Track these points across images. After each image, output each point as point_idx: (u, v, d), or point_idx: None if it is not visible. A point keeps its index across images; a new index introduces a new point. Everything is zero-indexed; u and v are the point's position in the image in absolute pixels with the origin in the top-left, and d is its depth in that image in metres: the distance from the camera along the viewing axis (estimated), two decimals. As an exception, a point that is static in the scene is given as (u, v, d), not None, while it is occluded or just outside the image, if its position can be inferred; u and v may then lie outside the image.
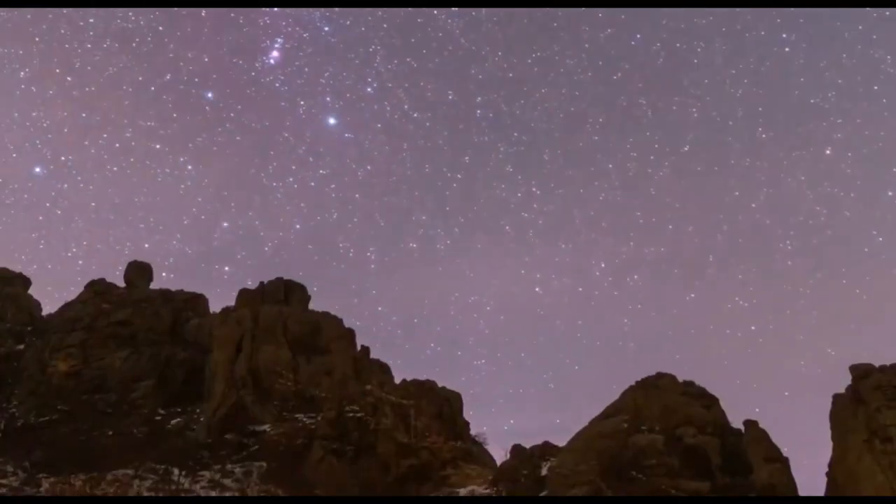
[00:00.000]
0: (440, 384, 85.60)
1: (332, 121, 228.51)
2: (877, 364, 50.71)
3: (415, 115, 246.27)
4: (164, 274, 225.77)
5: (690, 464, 54.20)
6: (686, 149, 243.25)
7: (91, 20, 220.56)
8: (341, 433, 68.25)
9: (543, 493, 54.04)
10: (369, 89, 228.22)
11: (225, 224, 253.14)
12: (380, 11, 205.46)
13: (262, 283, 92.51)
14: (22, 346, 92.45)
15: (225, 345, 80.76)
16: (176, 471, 63.01)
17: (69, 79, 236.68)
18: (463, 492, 62.94)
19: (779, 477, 53.96)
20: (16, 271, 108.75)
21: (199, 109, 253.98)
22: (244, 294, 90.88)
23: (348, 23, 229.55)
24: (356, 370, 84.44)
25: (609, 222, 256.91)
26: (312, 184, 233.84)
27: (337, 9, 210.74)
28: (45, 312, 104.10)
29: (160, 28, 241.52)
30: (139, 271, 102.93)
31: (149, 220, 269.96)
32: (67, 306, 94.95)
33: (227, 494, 60.85)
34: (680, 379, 61.06)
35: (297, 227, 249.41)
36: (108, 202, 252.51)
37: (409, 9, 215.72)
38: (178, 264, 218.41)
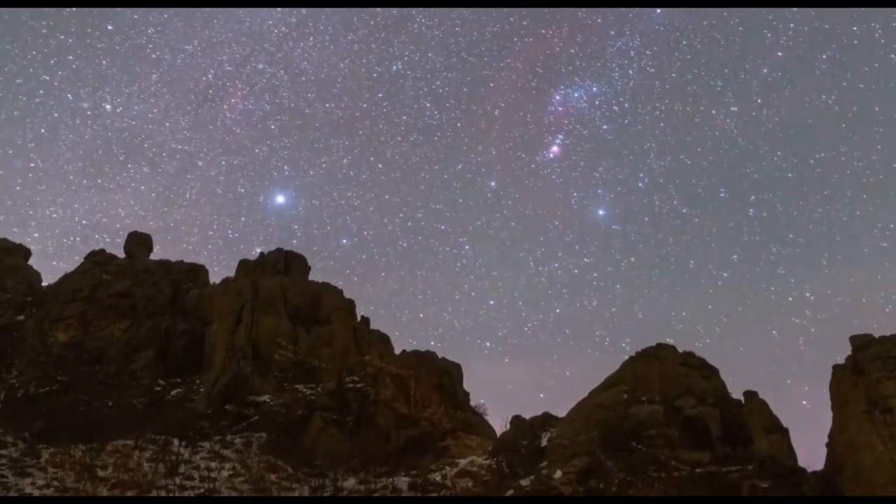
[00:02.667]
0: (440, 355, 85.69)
1: (601, 212, 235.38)
2: (876, 335, 50.51)
3: (684, 210, 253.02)
4: (431, 343, 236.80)
5: (690, 434, 54.08)
6: None
7: (403, 117, 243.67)
8: (341, 404, 68.31)
9: (543, 464, 53.97)
10: (640, 184, 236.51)
11: (491, 302, 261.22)
12: (657, 111, 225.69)
13: (261, 253, 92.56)
14: (22, 317, 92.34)
15: (225, 316, 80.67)
16: (176, 441, 63.04)
17: (380, 166, 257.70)
18: (463, 462, 62.99)
19: (778, 447, 53.94)
20: (16, 243, 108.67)
21: (481, 196, 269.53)
22: (244, 265, 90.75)
23: (626, 122, 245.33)
24: (356, 341, 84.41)
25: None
26: (576, 271, 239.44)
27: (616, 107, 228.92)
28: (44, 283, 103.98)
29: (458, 124, 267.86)
30: (139, 242, 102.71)
31: (426, 292, 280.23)
32: (67, 277, 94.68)
33: (227, 465, 60.92)
34: (679, 350, 60.94)
35: (557, 311, 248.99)
36: (395, 274, 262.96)
37: (688, 109, 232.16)
38: (445, 335, 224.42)
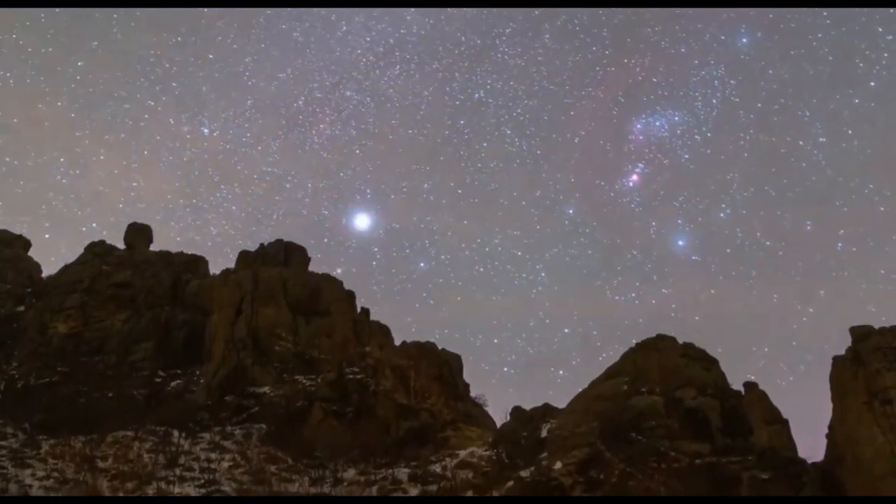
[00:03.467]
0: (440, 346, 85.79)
1: (680, 242, 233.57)
2: (876, 326, 50.42)
3: (767, 242, 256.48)
4: (504, 369, 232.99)
5: (690, 425, 54.12)
6: None
7: (484, 144, 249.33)
8: (341, 395, 68.34)
9: (543, 455, 53.96)
10: (722, 214, 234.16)
11: (566, 330, 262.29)
12: (741, 141, 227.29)
13: (261, 244, 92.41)
14: (22, 308, 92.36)
15: (225, 307, 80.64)
16: (176, 432, 63.01)
17: (459, 191, 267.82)
18: (463, 453, 63.04)
19: (779, 439, 54.09)
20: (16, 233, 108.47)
21: (559, 223, 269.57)
22: (244, 256, 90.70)
23: (708, 151, 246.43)
24: (356, 332, 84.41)
25: None
26: (653, 301, 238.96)
27: (698, 137, 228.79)
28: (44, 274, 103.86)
29: (538, 151, 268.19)
30: (139, 233, 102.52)
31: (501, 318, 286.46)
32: (67, 268, 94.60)
33: (227, 456, 60.88)
34: (680, 341, 60.92)
35: (633, 341, 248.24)
36: (470, 298, 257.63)
37: (773, 139, 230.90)
38: (518, 362, 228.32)
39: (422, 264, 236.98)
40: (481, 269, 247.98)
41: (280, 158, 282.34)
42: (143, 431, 63.78)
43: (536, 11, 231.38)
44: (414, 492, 53.55)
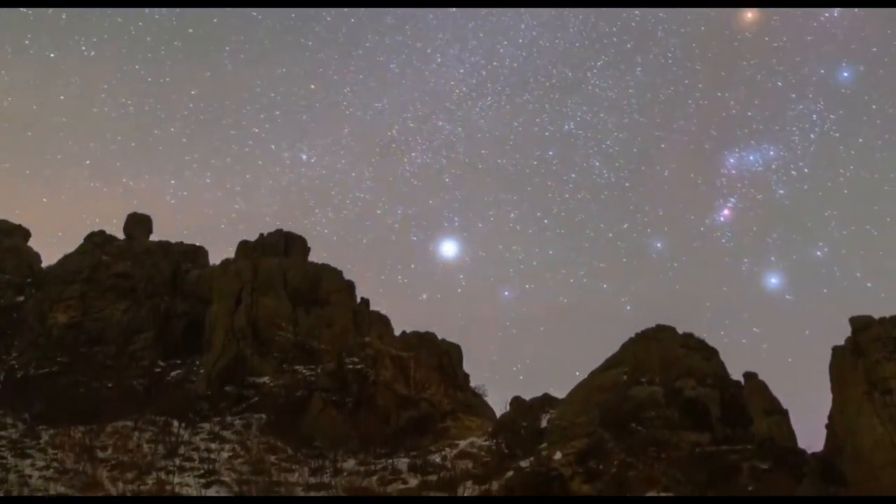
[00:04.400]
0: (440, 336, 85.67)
1: (773, 280, 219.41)
2: (876, 316, 50.27)
3: (868, 283, 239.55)
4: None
5: (690, 416, 54.18)
6: None
7: (572, 175, 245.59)
8: (341, 385, 68.29)
9: (543, 445, 54.01)
10: (819, 253, 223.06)
11: None
12: (841, 177, 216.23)
13: (261, 234, 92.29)
14: (21, 298, 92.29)
15: (224, 297, 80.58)
16: (175, 422, 63.08)
17: (546, 221, 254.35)
18: (463, 443, 63.11)
19: (778, 429, 53.94)
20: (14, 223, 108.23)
21: (646, 256, 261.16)
22: (244, 246, 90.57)
23: (805, 187, 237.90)
24: (356, 322, 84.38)
25: None
26: (744, 341, 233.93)
27: (794, 172, 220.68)
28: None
29: (626, 184, 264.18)
30: (139, 223, 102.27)
31: (584, 351, 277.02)
32: (67, 258, 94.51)
33: (227, 446, 60.98)
34: (679, 331, 60.90)
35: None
36: (554, 329, 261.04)
37: (876, 176, 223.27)
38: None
39: (506, 293, 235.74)
40: (565, 300, 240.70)
41: (372, 185, 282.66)
42: (142, 421, 63.89)
43: (629, 44, 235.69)
44: (413, 482, 53.53)
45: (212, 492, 49.83)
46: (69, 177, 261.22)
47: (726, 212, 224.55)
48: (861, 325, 49.89)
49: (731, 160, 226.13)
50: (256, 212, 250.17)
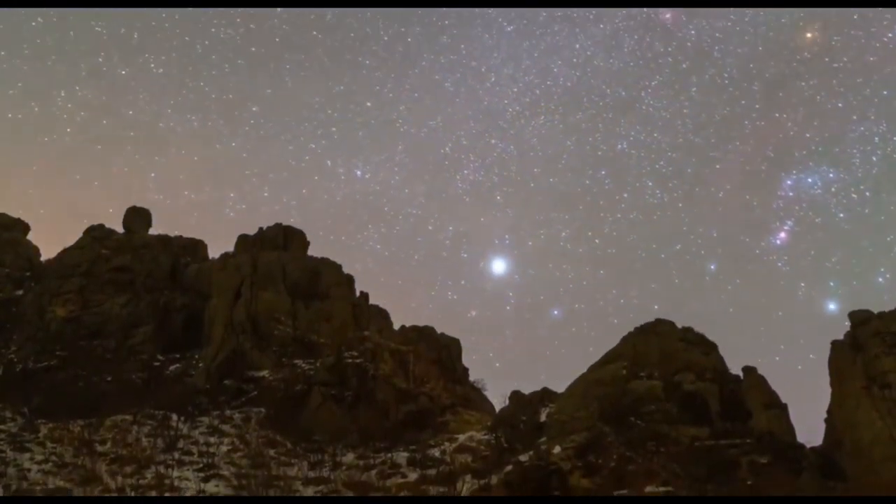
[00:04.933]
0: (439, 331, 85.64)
1: (831, 306, 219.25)
2: (875, 311, 50.28)
3: None
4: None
5: (689, 409, 54.04)
6: None
7: (624, 195, 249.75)
8: (340, 379, 68.29)
9: (542, 439, 53.94)
10: (880, 279, 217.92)
11: None
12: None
13: (260, 228, 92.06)
14: (21, 292, 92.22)
15: (224, 291, 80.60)
16: (174, 416, 63.06)
17: (597, 241, 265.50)
18: (462, 437, 63.09)
19: (777, 423, 53.96)
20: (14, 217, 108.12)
21: (700, 278, 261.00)
22: (243, 240, 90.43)
23: (866, 211, 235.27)
24: (355, 316, 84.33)
25: None
26: (800, 367, 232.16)
27: (854, 195, 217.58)
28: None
29: (679, 204, 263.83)
30: (138, 217, 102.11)
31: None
32: (66, 252, 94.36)
33: (226, 440, 60.97)
34: (678, 325, 60.81)
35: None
36: (604, 350, 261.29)
37: None
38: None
39: (555, 312, 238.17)
40: (615, 321, 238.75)
41: (425, 202, 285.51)
42: (141, 415, 63.88)
43: (685, 64, 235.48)
44: (413, 476, 53.51)
45: (211, 485, 49.74)
46: (135, 188, 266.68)
47: (783, 234, 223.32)
48: (860, 319, 49.91)
49: (789, 182, 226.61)
50: (311, 226, 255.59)
